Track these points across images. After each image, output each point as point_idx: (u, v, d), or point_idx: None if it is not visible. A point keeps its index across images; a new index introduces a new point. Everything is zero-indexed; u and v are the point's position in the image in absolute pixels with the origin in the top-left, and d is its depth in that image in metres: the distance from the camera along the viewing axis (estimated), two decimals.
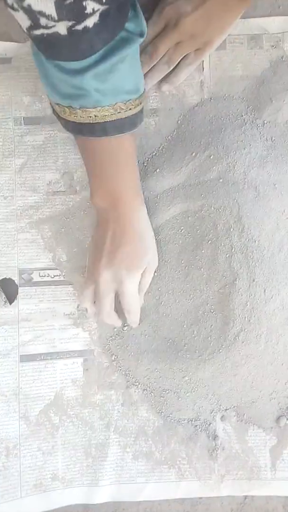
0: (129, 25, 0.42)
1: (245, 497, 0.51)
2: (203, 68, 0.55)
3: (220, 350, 0.50)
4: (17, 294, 0.54)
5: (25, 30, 0.38)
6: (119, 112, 0.45)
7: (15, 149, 0.55)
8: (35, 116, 0.56)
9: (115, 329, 0.53)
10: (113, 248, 0.49)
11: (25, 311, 0.53)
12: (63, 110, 0.45)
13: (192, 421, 0.51)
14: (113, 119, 0.45)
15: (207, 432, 0.51)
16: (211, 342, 0.51)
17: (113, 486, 0.51)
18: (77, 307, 0.54)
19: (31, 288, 0.54)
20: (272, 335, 0.50)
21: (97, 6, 0.35)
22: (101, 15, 0.36)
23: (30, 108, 0.56)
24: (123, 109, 0.45)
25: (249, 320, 0.50)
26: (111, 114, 0.45)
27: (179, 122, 0.55)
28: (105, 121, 0.45)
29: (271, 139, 0.54)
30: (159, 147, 0.55)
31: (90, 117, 0.44)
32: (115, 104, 0.44)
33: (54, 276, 0.54)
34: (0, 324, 0.53)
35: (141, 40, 0.43)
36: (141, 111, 0.47)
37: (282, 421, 0.51)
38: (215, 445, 0.50)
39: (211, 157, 0.53)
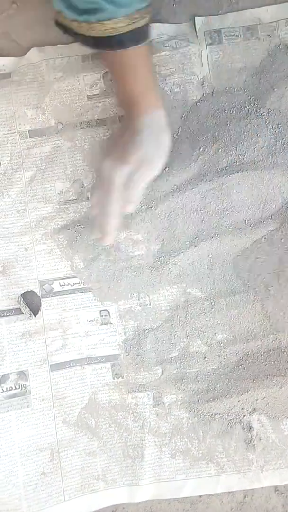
0: None
1: (245, 495, 0.56)
2: (202, 64, 0.60)
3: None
4: (41, 305, 0.59)
5: None
6: (134, 22, 0.51)
7: (23, 163, 0.61)
8: (40, 127, 0.61)
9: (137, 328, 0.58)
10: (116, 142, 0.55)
11: (50, 321, 0.59)
12: (80, 26, 0.51)
13: (225, 415, 0.56)
14: (129, 30, 0.51)
15: (242, 424, 0.56)
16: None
17: (153, 485, 0.56)
18: (100, 312, 0.59)
19: (53, 298, 0.59)
20: None
21: None
22: None
23: (34, 120, 0.61)
24: (137, 18, 0.51)
25: None
26: (127, 25, 0.50)
27: (183, 119, 0.60)
28: (121, 33, 0.50)
29: (277, 126, 0.59)
30: None
31: (107, 29, 0.50)
32: (129, 14, 0.50)
33: (74, 284, 0.60)
34: (29, 336, 0.58)
35: None
36: (150, 21, 0.53)
37: None
38: (251, 436, 0.55)
39: (220, 150, 0.58)
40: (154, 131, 0.54)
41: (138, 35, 0.52)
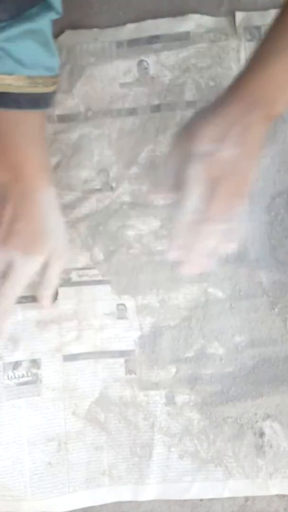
0: None
1: (247, 499, 0.57)
2: (239, 59, 0.61)
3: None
4: (57, 294, 0.60)
5: None
6: (36, 86, 0.49)
7: (50, 148, 0.62)
8: (69, 113, 0.62)
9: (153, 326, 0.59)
10: (10, 226, 0.52)
11: (65, 312, 0.60)
12: None
13: (237, 419, 0.57)
14: (28, 92, 0.49)
15: (253, 429, 0.57)
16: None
17: (159, 485, 0.58)
18: (117, 306, 0.60)
19: (70, 288, 0.61)
20: None
21: None
22: None
23: (63, 105, 0.62)
24: (39, 83, 0.49)
25: None
26: (27, 86, 0.49)
27: None
28: (20, 92, 0.49)
29: None
30: None
31: (3, 85, 0.48)
32: (33, 76, 0.49)
33: (92, 275, 0.61)
34: (44, 325, 0.60)
35: (56, 17, 0.49)
36: (55, 92, 0.52)
37: None
38: (262, 442, 0.56)
39: None
40: (39, 210, 0.53)
41: (38, 100, 0.51)
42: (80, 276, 0.61)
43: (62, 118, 0.63)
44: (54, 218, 0.54)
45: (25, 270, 0.54)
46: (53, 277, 0.56)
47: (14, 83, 0.49)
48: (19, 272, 0.53)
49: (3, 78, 0.48)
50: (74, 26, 0.63)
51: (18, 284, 0.54)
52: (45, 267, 0.55)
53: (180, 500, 0.58)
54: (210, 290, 0.60)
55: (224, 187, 0.45)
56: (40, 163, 0.54)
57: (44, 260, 0.55)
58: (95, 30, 0.63)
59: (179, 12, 0.63)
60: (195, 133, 0.45)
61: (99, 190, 0.62)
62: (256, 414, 0.57)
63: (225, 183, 0.45)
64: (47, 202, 0.54)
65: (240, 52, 0.61)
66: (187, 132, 0.46)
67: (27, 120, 0.52)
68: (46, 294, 0.57)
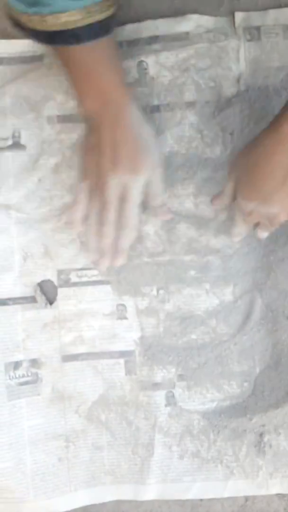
0: None
1: (246, 499, 0.59)
2: (239, 60, 0.62)
3: None
4: (57, 295, 0.61)
5: None
6: (90, 16, 0.49)
7: (49, 148, 0.63)
8: (69, 114, 0.63)
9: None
10: (114, 152, 0.55)
11: (65, 312, 0.62)
12: (31, 19, 0.50)
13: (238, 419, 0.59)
14: (84, 24, 0.50)
15: (254, 429, 0.58)
16: None
17: (160, 485, 0.59)
18: (116, 306, 0.61)
19: (69, 289, 0.62)
20: None
21: None
22: None
23: (63, 106, 0.64)
24: (95, 11, 0.50)
25: None
26: (82, 19, 0.49)
27: (215, 114, 0.62)
28: (75, 27, 0.50)
29: None
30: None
31: (61, 23, 0.49)
32: (86, 7, 0.49)
33: (92, 276, 0.62)
34: (43, 325, 0.61)
35: None
36: (115, 14, 0.53)
37: None
38: (262, 442, 0.58)
39: None
40: (133, 126, 0.56)
41: (97, 30, 0.51)
42: (79, 276, 0.62)
43: (62, 119, 0.64)
44: (146, 133, 0.57)
45: (139, 189, 0.57)
46: (160, 187, 0.58)
47: (69, 19, 0.49)
48: (134, 192, 0.57)
49: (57, 16, 0.49)
50: None
51: (136, 204, 0.57)
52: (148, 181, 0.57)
53: (180, 500, 0.59)
54: (213, 290, 0.61)
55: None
56: (122, 84, 0.57)
57: (149, 175, 0.57)
58: None
59: (179, 12, 0.64)
60: (239, 193, 0.55)
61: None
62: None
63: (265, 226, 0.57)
64: (137, 120, 0.57)
65: (239, 52, 0.63)
66: (237, 185, 0.56)
67: (97, 49, 0.53)
68: (158, 203, 0.59)
